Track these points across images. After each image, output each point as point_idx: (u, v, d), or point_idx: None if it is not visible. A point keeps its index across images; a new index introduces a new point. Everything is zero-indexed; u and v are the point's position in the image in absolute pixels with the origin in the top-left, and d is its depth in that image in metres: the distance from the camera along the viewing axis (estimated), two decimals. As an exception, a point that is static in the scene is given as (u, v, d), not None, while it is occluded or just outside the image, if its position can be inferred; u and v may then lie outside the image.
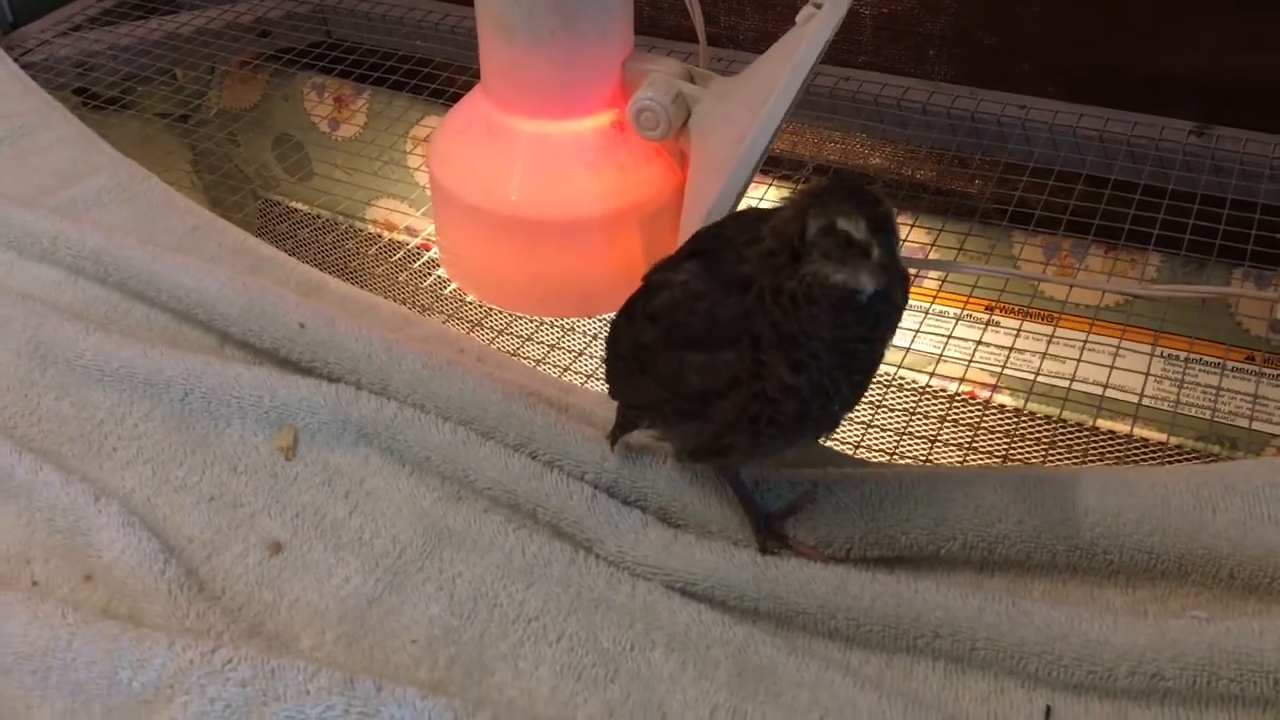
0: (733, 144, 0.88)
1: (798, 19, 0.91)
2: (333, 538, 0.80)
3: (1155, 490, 0.73)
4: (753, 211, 0.74)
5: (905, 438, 0.93)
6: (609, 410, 0.88)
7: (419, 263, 1.13)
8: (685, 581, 0.74)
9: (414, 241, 1.21)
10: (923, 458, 0.91)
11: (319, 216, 1.48)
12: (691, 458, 0.75)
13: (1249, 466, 0.77)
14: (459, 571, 0.77)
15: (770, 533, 0.75)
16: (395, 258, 1.18)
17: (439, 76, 1.34)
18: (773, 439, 0.69)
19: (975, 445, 0.93)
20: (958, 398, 1.09)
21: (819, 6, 0.89)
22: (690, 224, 0.92)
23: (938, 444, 0.92)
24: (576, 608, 0.74)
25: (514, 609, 0.74)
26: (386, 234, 1.40)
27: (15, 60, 1.37)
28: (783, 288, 0.65)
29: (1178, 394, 1.03)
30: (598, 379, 0.98)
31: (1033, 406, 1.11)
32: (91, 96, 1.42)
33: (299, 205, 1.50)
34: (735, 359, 0.66)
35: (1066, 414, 1.04)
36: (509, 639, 0.73)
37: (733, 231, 0.70)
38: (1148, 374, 0.98)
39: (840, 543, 0.75)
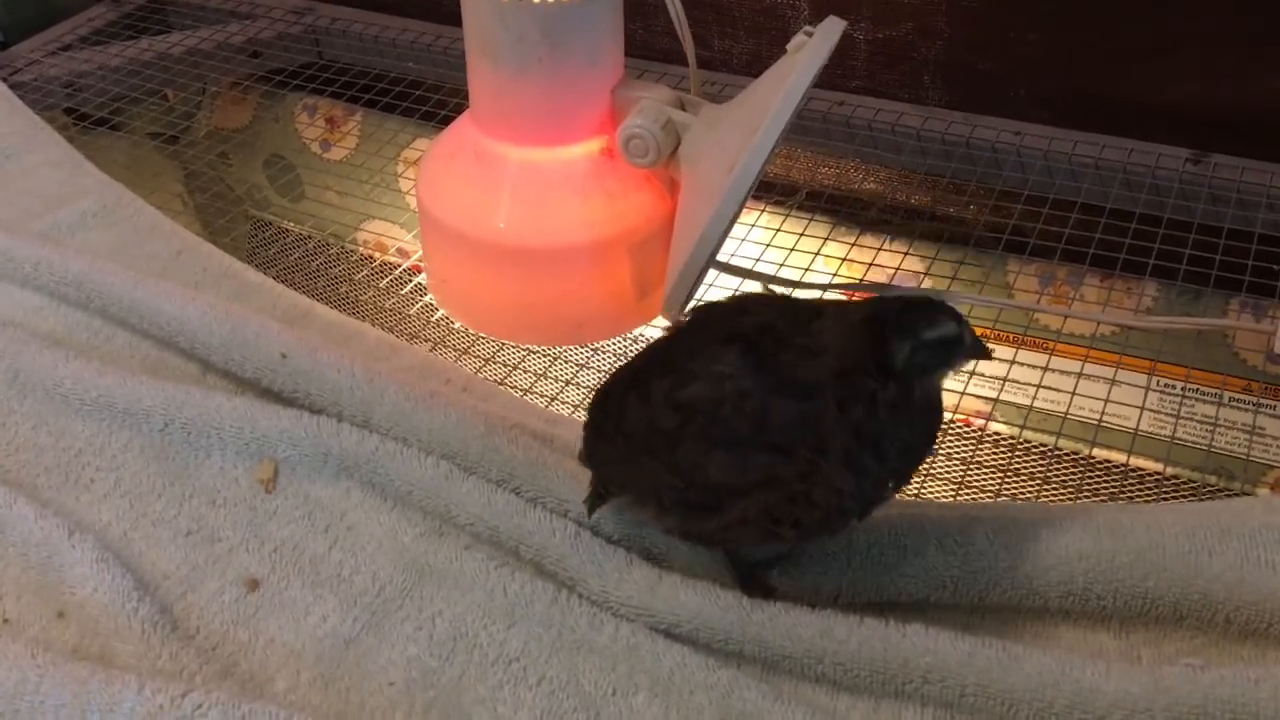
0: (723, 172, 0.87)
1: (789, 46, 0.90)
2: (311, 574, 0.78)
3: (1150, 533, 0.72)
4: (787, 300, 0.73)
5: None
6: (594, 444, 0.87)
7: (408, 287, 1.12)
8: (670, 623, 0.72)
9: (405, 264, 1.19)
10: (912, 492, 0.89)
11: (310, 238, 1.47)
12: (683, 537, 0.73)
13: (1245, 505, 0.76)
14: (439, 610, 0.75)
15: (755, 582, 0.74)
16: (385, 281, 1.17)
17: (430, 99, 1.33)
18: (782, 539, 0.69)
19: (967, 480, 0.91)
20: (952, 426, 1.07)
21: (810, 35, 0.88)
22: (680, 252, 0.90)
23: (930, 478, 0.90)
24: (558, 649, 0.72)
25: (494, 650, 0.73)
26: (378, 256, 1.39)
27: (5, 80, 1.36)
28: (876, 402, 0.65)
29: (1174, 424, 1.02)
30: (585, 409, 0.97)
31: (1028, 435, 1.10)
32: (81, 117, 1.41)
33: (291, 226, 1.49)
34: (773, 464, 0.65)
35: (1062, 443, 1.02)
36: (488, 682, 0.71)
37: (777, 322, 0.68)
38: (1144, 406, 0.96)
39: (828, 592, 0.73)
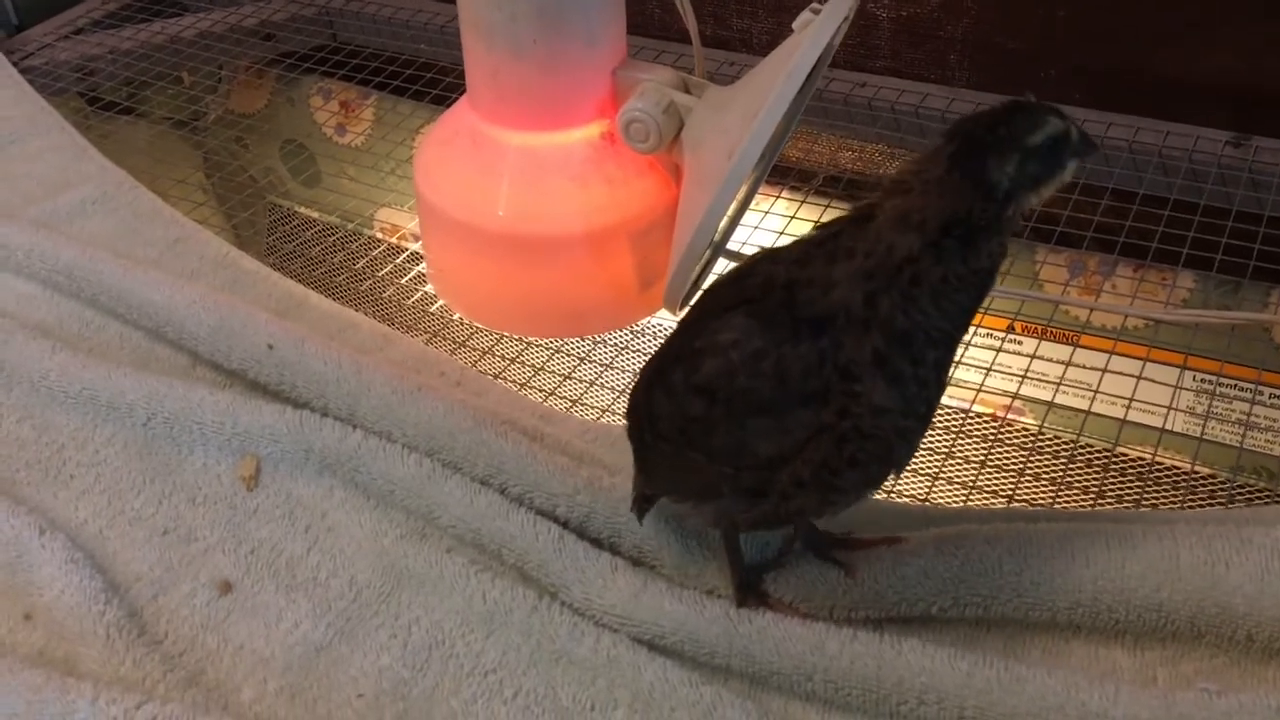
0: (724, 158, 0.83)
1: (795, 24, 0.86)
2: (287, 577, 0.75)
3: (1162, 542, 0.67)
4: (796, 246, 0.65)
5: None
6: (587, 442, 0.84)
7: (409, 275, 1.09)
8: (653, 634, 0.69)
9: (415, 246, 1.16)
10: (921, 495, 0.85)
11: (327, 224, 1.45)
12: (748, 527, 0.69)
13: (1274, 514, 0.71)
14: (416, 617, 0.72)
15: (749, 587, 0.70)
16: (390, 268, 1.14)
17: (443, 81, 1.30)
18: (844, 492, 0.63)
19: (980, 482, 0.87)
20: (967, 422, 1.03)
21: (817, 12, 0.84)
22: (682, 241, 0.87)
23: (939, 480, 0.86)
24: (536, 660, 0.69)
25: (470, 660, 0.70)
26: (393, 239, 1.37)
27: (17, 64, 1.34)
28: (921, 278, 0.58)
29: (1205, 419, 0.97)
30: (584, 404, 0.93)
31: (1048, 431, 1.05)
32: (94, 100, 1.40)
33: (307, 210, 1.47)
34: (810, 415, 0.60)
35: (1085, 437, 0.97)
36: (461, 694, 0.68)
37: (780, 270, 0.62)
38: (1172, 405, 0.91)
39: (822, 598, 0.69)
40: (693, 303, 0.71)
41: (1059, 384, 0.94)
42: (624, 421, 0.73)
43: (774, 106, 0.80)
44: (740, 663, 0.67)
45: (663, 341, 0.71)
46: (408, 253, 1.14)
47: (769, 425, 0.61)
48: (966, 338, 0.65)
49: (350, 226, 1.40)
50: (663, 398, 0.66)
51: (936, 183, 0.59)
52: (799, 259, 0.62)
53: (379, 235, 1.40)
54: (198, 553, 0.77)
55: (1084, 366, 0.99)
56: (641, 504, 0.72)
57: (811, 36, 0.81)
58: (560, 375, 0.96)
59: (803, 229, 1.10)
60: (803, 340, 0.60)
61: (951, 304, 0.59)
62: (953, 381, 0.93)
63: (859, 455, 0.60)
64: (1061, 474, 0.95)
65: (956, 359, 0.72)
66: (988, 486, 0.89)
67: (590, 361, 1.00)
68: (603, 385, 0.96)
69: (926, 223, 0.58)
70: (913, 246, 0.59)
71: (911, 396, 0.60)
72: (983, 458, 0.91)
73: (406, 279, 1.08)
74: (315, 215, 1.46)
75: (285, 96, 1.47)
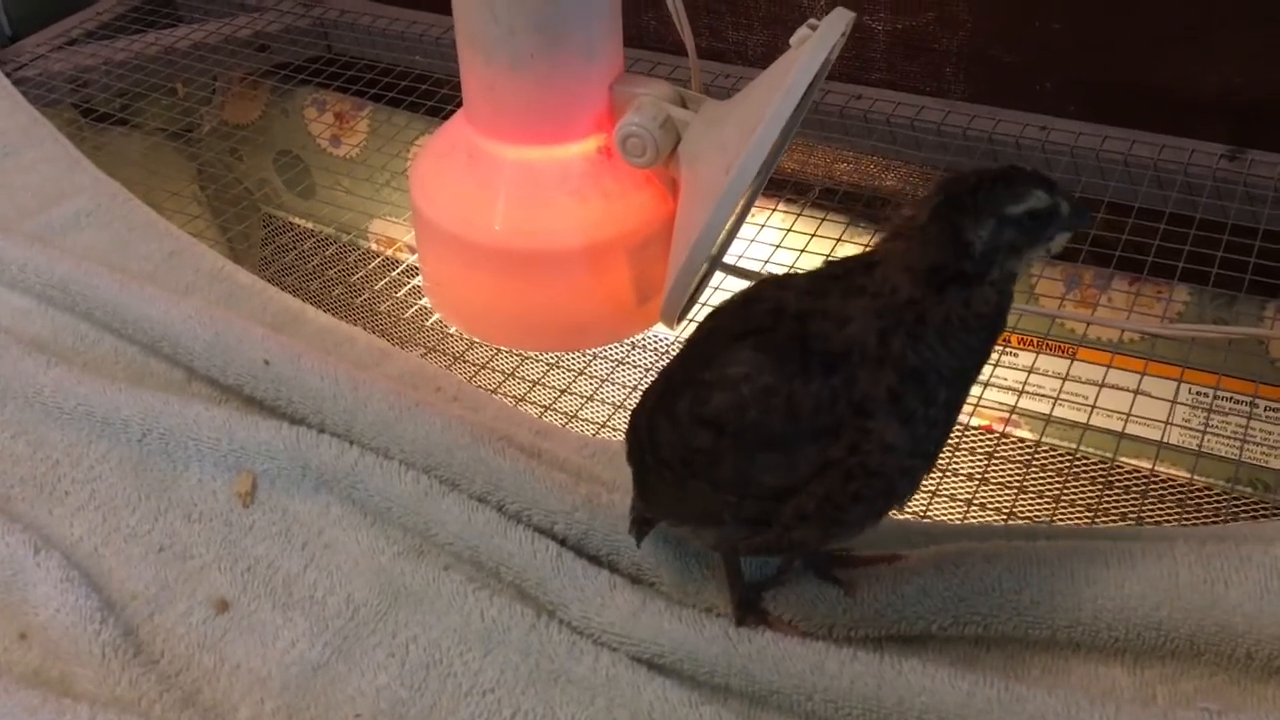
0: (721, 173, 0.83)
1: (792, 40, 0.86)
2: (284, 595, 0.75)
3: (1161, 561, 0.67)
4: (804, 276, 0.65)
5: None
6: (584, 457, 0.84)
7: (405, 289, 1.09)
8: (652, 653, 0.68)
9: (411, 259, 1.16)
10: (919, 512, 0.85)
11: (322, 236, 1.44)
12: (747, 553, 0.69)
13: (1273, 530, 0.71)
14: (414, 635, 0.72)
15: (749, 605, 0.70)
16: (385, 281, 1.14)
17: (438, 93, 1.30)
18: (847, 525, 0.63)
19: (979, 498, 0.87)
20: (965, 436, 1.03)
21: (814, 29, 0.84)
22: (679, 255, 0.87)
23: (937, 495, 0.86)
24: (535, 679, 0.69)
25: (468, 679, 0.69)
26: (389, 251, 1.36)
27: (10, 75, 1.34)
28: (926, 318, 0.59)
29: (1202, 433, 0.97)
30: (581, 419, 0.93)
31: (1047, 445, 1.05)
32: (87, 112, 1.39)
33: (302, 222, 1.47)
34: (818, 452, 0.60)
35: (1085, 448, 0.97)
36: (459, 714, 0.68)
37: (791, 301, 0.62)
38: (1169, 420, 0.91)
39: (822, 617, 0.69)
40: (698, 323, 0.71)
41: (1056, 397, 0.94)
42: (622, 438, 0.73)
43: (771, 123, 0.80)
44: (740, 682, 0.67)
45: (667, 362, 0.70)
46: (404, 266, 1.14)
47: (777, 459, 0.61)
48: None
49: (346, 239, 1.40)
50: (666, 425, 0.66)
51: (920, 230, 0.60)
52: (810, 290, 0.62)
53: (375, 247, 1.39)
54: (194, 570, 0.77)
55: (1081, 380, 0.99)
56: (640, 526, 0.72)
57: (808, 53, 0.82)
58: (557, 389, 0.96)
59: (798, 241, 1.10)
60: (814, 377, 0.60)
61: (959, 344, 0.60)
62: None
63: (864, 491, 0.61)
64: (1060, 488, 0.95)
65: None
66: (990, 503, 0.89)
67: (587, 376, 0.99)
68: (600, 400, 0.96)
69: (916, 268, 0.59)
70: (915, 288, 0.59)
71: (921, 436, 0.60)
72: (982, 471, 0.91)
73: (403, 292, 1.08)
74: (311, 227, 1.46)
75: (280, 108, 1.47)
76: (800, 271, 0.67)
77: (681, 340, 0.82)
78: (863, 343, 0.59)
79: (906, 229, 0.60)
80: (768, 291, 0.65)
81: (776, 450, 0.61)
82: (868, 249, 0.64)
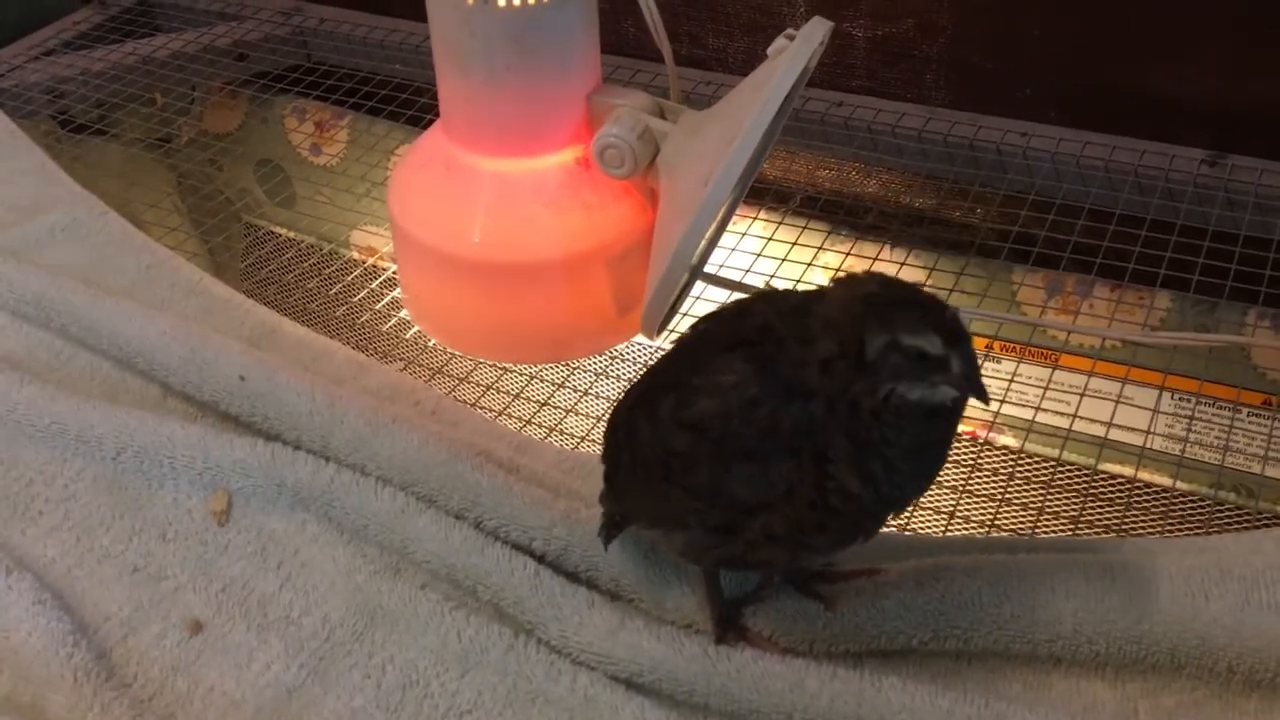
0: (699, 184, 0.82)
1: (770, 50, 0.85)
2: (259, 615, 0.74)
3: (1142, 573, 0.67)
4: (788, 295, 0.66)
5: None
6: (563, 472, 0.83)
7: (384, 301, 1.08)
8: (630, 672, 0.68)
9: (392, 269, 1.15)
10: (899, 524, 0.84)
11: (303, 245, 1.43)
12: (713, 564, 0.69)
13: (1252, 543, 0.71)
14: (390, 656, 0.71)
15: (728, 621, 0.69)
16: (365, 293, 1.13)
17: (417, 101, 1.29)
18: (814, 550, 0.64)
19: (960, 511, 0.86)
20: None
21: (792, 38, 0.83)
22: (659, 266, 0.86)
23: (917, 507, 0.85)
24: (512, 700, 0.68)
25: (445, 700, 0.69)
26: (370, 260, 1.36)
27: (-12, 86, 1.33)
28: (858, 402, 0.58)
29: (1184, 440, 0.97)
30: (561, 432, 0.93)
31: (1028, 452, 1.05)
32: (66, 123, 1.38)
33: (283, 231, 1.46)
34: (793, 470, 0.60)
35: (1068, 455, 0.97)
36: (436, 736, 0.67)
37: (775, 321, 0.62)
38: (1151, 427, 0.91)
39: (802, 632, 0.69)
40: (690, 328, 0.71)
41: (1038, 405, 0.94)
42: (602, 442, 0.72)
43: (750, 133, 0.80)
44: (719, 701, 0.66)
45: (652, 363, 0.70)
46: (384, 276, 1.13)
47: (753, 472, 0.61)
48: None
49: (327, 248, 1.39)
50: (646, 424, 0.66)
51: (839, 311, 0.60)
52: (795, 308, 0.62)
53: (355, 256, 1.39)
54: (168, 591, 0.76)
55: (1063, 387, 0.99)
56: (609, 530, 0.71)
57: (786, 63, 0.81)
58: (537, 402, 0.95)
59: (780, 250, 1.09)
60: (793, 401, 0.60)
61: (895, 430, 0.59)
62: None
63: (829, 523, 0.61)
64: (1042, 495, 0.95)
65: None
66: (973, 516, 0.88)
67: (567, 388, 0.99)
68: (580, 412, 0.95)
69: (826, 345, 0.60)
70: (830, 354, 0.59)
71: (884, 493, 0.60)
72: (964, 482, 0.91)
73: (382, 304, 1.07)
74: (293, 236, 1.45)
75: (259, 117, 1.46)
76: (795, 290, 0.67)
77: (663, 350, 0.82)
78: (823, 392, 0.59)
79: (835, 297, 0.61)
80: (758, 306, 0.66)
81: (754, 462, 0.61)
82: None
